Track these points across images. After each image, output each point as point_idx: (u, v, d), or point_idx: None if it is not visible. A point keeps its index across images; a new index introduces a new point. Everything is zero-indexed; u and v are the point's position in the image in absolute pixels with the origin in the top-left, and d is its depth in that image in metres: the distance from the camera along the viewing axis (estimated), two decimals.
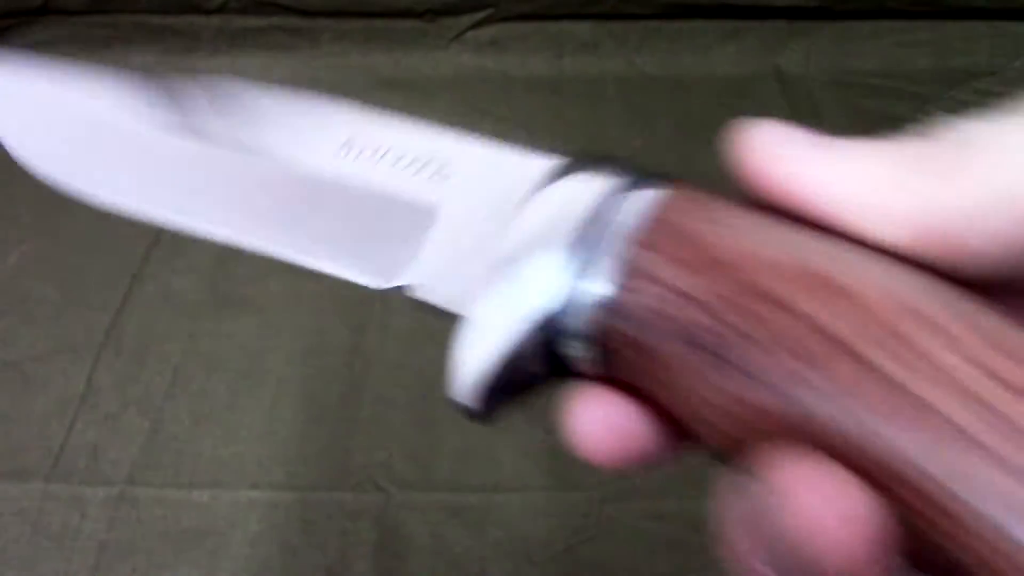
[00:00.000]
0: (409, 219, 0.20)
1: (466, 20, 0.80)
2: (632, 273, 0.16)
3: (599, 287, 0.16)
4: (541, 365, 0.17)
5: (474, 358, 0.17)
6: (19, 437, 0.56)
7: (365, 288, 0.19)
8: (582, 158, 0.18)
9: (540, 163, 0.19)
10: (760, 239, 0.16)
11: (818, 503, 0.13)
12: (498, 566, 0.50)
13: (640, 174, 0.17)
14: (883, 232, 0.16)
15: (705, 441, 0.17)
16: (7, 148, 0.21)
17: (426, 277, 0.19)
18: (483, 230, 0.19)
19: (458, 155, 0.20)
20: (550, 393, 0.18)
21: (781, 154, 0.16)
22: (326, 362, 0.59)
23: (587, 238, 0.16)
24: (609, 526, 0.52)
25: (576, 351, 0.17)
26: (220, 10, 0.82)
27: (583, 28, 0.80)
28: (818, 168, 0.16)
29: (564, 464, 0.53)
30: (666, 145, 0.72)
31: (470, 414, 0.18)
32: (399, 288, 0.19)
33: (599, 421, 0.18)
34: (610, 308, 0.16)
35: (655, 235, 0.16)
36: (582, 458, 0.18)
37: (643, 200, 0.17)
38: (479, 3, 0.79)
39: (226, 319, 0.62)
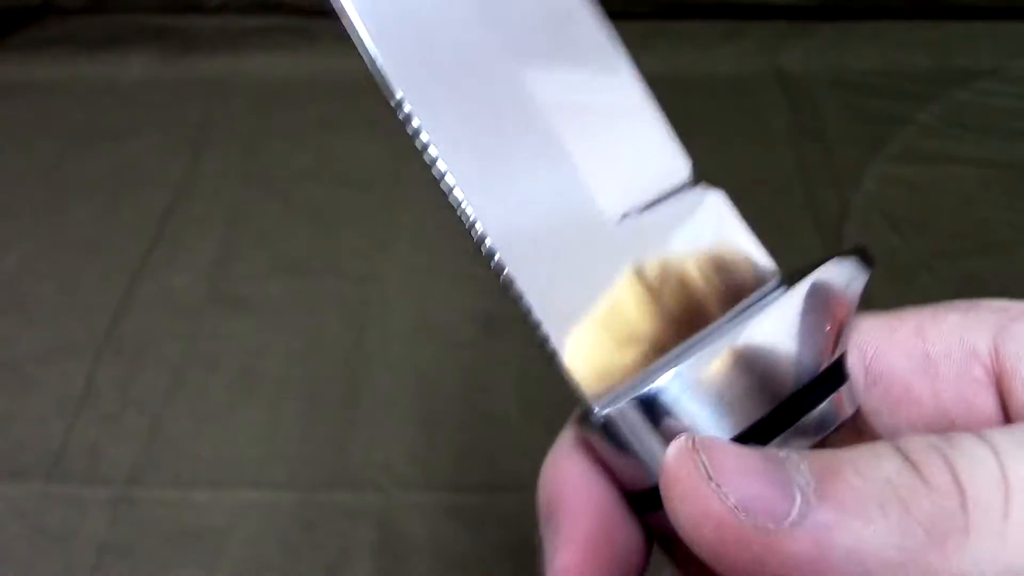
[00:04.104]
0: None
1: None
2: None
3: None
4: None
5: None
6: (19, 437, 0.56)
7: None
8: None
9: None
10: None
11: None
12: (498, 566, 0.50)
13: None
14: None
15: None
16: None
17: None
18: None
19: None
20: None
21: None
22: (326, 362, 0.59)
23: None
24: None
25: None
26: (220, 10, 0.82)
27: None
28: None
29: None
30: None
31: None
32: None
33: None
34: None
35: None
36: None
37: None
38: None
39: (226, 319, 0.62)
